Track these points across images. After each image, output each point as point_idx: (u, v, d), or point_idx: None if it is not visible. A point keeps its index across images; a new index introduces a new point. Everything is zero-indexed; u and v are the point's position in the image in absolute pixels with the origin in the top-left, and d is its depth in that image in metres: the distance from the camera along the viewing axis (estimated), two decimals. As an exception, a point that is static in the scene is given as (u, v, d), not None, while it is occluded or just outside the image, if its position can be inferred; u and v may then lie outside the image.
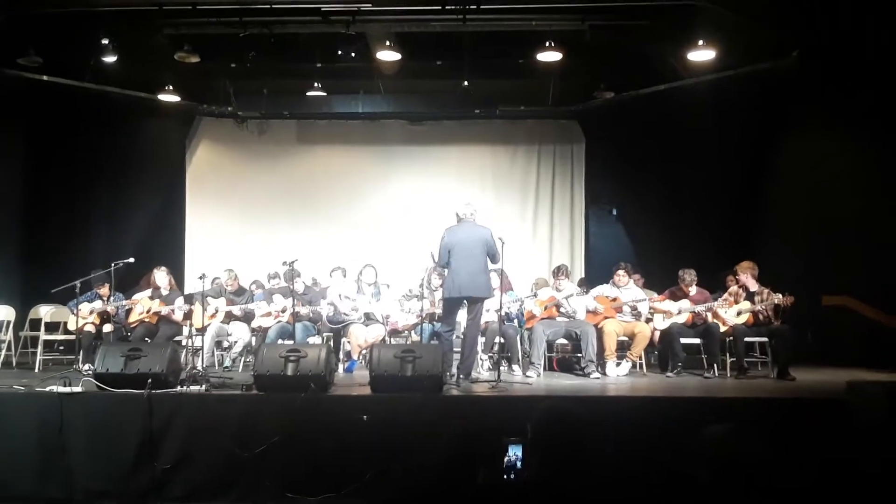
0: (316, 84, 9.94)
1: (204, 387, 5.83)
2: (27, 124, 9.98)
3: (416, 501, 5.02)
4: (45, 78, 9.26)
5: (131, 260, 7.79)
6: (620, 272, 7.75)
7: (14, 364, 8.18)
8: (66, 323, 8.19)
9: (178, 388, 5.77)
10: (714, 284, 7.98)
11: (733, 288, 7.51)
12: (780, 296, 7.11)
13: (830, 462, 4.72)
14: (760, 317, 7.24)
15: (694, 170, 9.84)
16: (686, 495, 2.39)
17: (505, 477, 3.23)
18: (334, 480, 5.15)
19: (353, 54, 9.06)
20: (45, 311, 8.56)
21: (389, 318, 7.95)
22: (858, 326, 8.11)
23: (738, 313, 7.31)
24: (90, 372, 6.01)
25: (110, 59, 8.68)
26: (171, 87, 9.72)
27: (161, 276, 8.11)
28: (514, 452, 3.32)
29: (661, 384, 6.89)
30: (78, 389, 5.62)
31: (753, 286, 7.32)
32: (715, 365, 7.26)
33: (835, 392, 5.53)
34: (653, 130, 10.02)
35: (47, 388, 5.62)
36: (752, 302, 7.27)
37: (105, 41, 8.48)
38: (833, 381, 6.31)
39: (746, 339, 7.27)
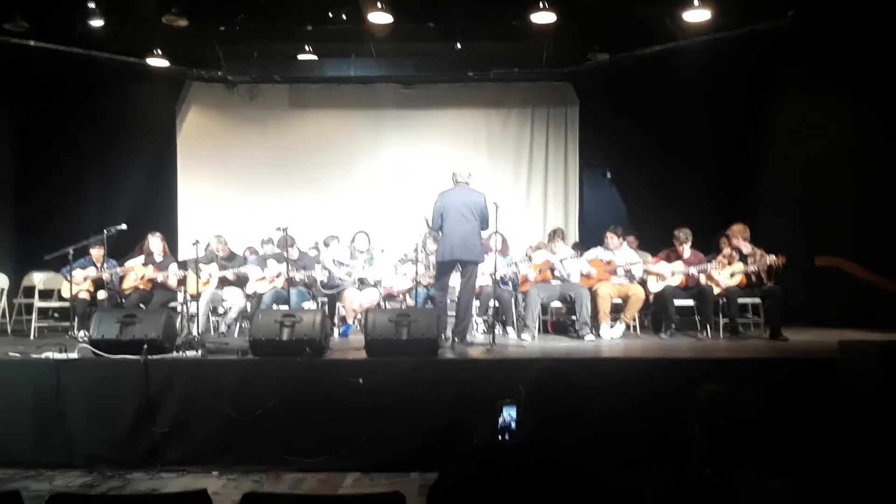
0: (307, 47, 9.80)
1: (200, 352, 5.84)
2: (14, 91, 9.83)
3: (411, 463, 5.07)
4: (31, 43, 9.10)
5: (124, 226, 7.74)
6: (609, 234, 7.78)
7: (9, 331, 8.18)
8: (59, 290, 8.16)
9: (174, 353, 5.79)
10: (707, 247, 7.99)
11: (727, 250, 7.53)
12: (773, 257, 7.14)
13: (822, 421, 4.78)
14: (753, 278, 7.27)
15: (688, 132, 9.78)
16: (679, 455, 2.41)
17: (499, 438, 3.25)
18: (330, 443, 5.20)
19: (344, 17, 8.91)
20: (39, 279, 8.54)
21: (383, 282, 7.95)
22: (850, 287, 8.15)
23: (732, 275, 7.33)
24: (85, 338, 6.01)
25: (98, 22, 8.53)
26: (159, 52, 9.57)
27: (155, 242, 8.08)
28: (509, 414, 3.33)
29: (654, 346, 6.94)
30: (74, 356, 5.62)
31: (746, 248, 7.34)
32: (708, 326, 7.32)
33: (827, 352, 5.56)
34: (647, 92, 9.93)
35: (43, 355, 5.63)
36: (746, 263, 7.29)
37: (92, 4, 8.33)
38: (825, 341, 6.35)
39: (739, 300, 7.31)
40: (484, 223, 6.60)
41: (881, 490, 2.85)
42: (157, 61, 9.69)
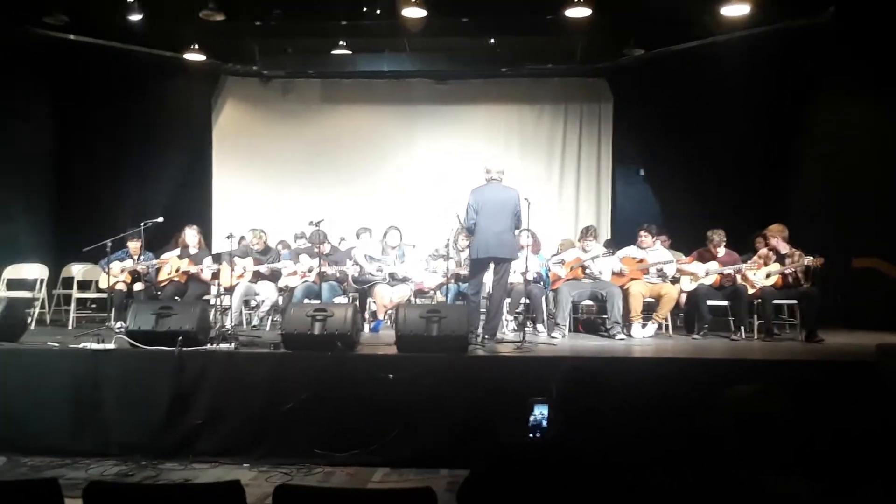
0: (341, 42, 9.84)
1: (233, 345, 5.91)
2: (54, 84, 10.04)
3: (440, 460, 5.08)
4: (71, 37, 9.28)
5: (160, 219, 7.86)
6: (643, 233, 7.70)
7: (48, 321, 8.36)
8: (97, 281, 8.32)
9: (208, 345, 5.87)
10: (742, 246, 7.88)
11: (763, 250, 7.42)
12: (811, 258, 7.01)
13: (857, 425, 4.69)
14: (790, 279, 7.15)
15: (722, 130, 9.64)
16: (710, 456, 2.38)
17: (529, 436, 3.24)
18: (360, 438, 5.23)
19: (378, 12, 8.92)
20: (78, 270, 8.72)
21: (414, 278, 7.97)
22: (888, 289, 7.98)
23: (768, 275, 7.22)
24: (122, 329, 6.12)
25: (136, 17, 8.66)
26: (196, 46, 9.69)
27: (191, 235, 8.19)
28: (539, 411, 3.33)
29: (686, 346, 6.87)
30: (111, 346, 5.73)
31: (784, 248, 7.22)
32: (742, 327, 7.21)
33: (864, 355, 5.47)
34: (682, 89, 9.80)
35: (81, 345, 5.74)
36: (783, 264, 7.17)
37: (131, -1, 8.46)
38: (862, 343, 6.24)
39: (775, 301, 7.19)
40: (517, 221, 6.57)
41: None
42: (194, 56, 9.82)
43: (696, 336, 7.23)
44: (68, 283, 8.69)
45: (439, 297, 8.02)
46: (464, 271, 7.46)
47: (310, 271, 7.96)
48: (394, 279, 7.82)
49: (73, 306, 8.18)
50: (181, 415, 5.43)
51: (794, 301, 7.26)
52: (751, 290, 7.21)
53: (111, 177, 10.51)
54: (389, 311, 7.63)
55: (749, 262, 7.34)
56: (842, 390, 5.01)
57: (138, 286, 7.98)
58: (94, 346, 5.67)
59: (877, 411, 4.79)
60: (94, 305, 8.71)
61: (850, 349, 6.39)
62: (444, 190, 10.19)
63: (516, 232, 6.78)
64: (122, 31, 9.25)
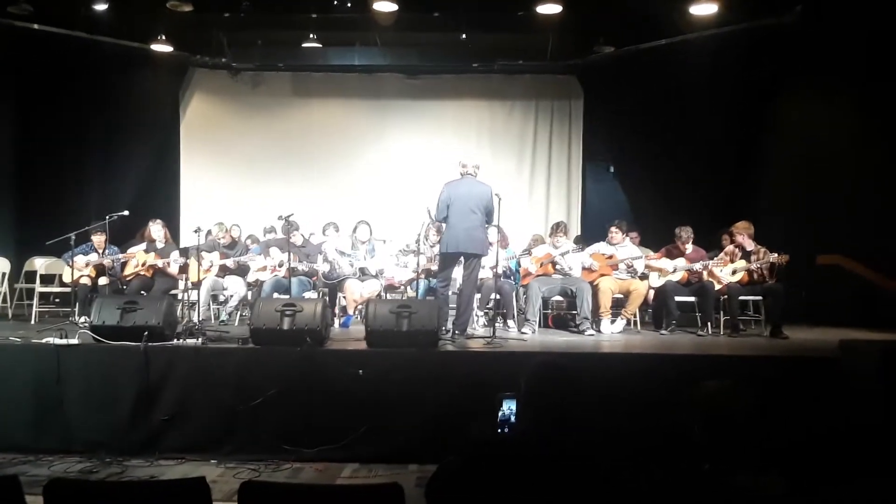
0: (311, 35, 9.78)
1: (200, 340, 5.84)
2: (18, 74, 9.81)
3: (409, 455, 5.08)
4: (35, 27, 9.08)
5: (126, 213, 7.74)
6: (613, 229, 7.76)
7: (10, 316, 8.20)
8: (61, 275, 8.17)
9: (175, 341, 5.79)
10: (710, 243, 7.98)
11: (729, 247, 7.52)
12: (776, 255, 7.12)
13: (822, 420, 4.78)
14: (755, 276, 7.26)
15: (692, 127, 9.76)
16: (678, 452, 2.41)
17: (498, 431, 3.25)
18: (330, 433, 5.20)
19: (348, 4, 8.88)
20: (41, 264, 8.55)
21: (384, 273, 7.95)
22: (851, 286, 8.15)
23: (734, 272, 7.32)
24: (86, 324, 6.01)
25: (102, 6, 8.51)
26: (163, 37, 9.55)
27: (156, 229, 8.07)
28: (508, 407, 3.34)
29: (654, 341, 6.94)
30: (74, 342, 5.63)
31: (750, 245, 7.33)
32: (709, 323, 7.31)
33: (828, 351, 5.56)
34: (652, 87, 9.90)
35: (44, 340, 5.63)
36: (749, 261, 7.28)
37: (96, -12, 8.31)
38: (826, 339, 6.35)
39: (741, 297, 7.30)
40: (488, 217, 6.58)
41: (876, 489, 2.85)
42: (161, 47, 9.67)
43: (663, 332, 7.31)
44: (31, 276, 8.52)
45: (410, 292, 8.00)
46: (434, 266, 7.45)
47: (280, 266, 7.89)
48: (364, 274, 7.79)
49: (35, 300, 8.02)
50: (147, 411, 5.35)
51: (760, 297, 7.37)
52: (717, 287, 7.31)
53: (76, 169, 10.31)
54: (359, 307, 7.59)
55: (716, 258, 7.44)
56: (805, 386, 5.09)
57: (103, 280, 7.85)
58: (58, 341, 5.56)
59: (840, 407, 4.88)
60: (57, 300, 8.55)
61: (813, 345, 6.51)
62: (414, 185, 10.17)
63: (486, 227, 6.78)
64: (88, 21, 9.10)
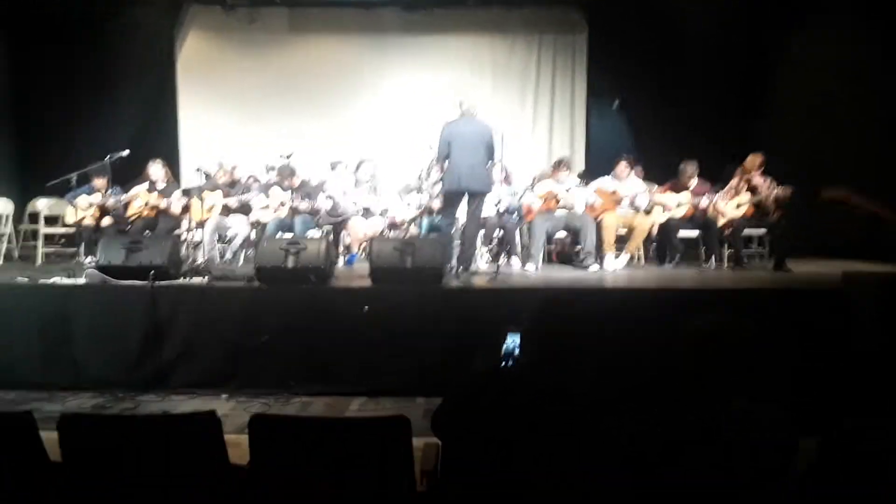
0: (308, -32, 9.52)
1: (206, 279, 5.88)
2: (9, 17, 9.61)
3: (415, 388, 5.15)
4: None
5: (126, 152, 7.68)
6: (623, 163, 7.69)
7: (16, 256, 8.24)
8: (64, 216, 8.18)
9: (181, 279, 5.82)
10: (714, 177, 7.92)
11: (734, 181, 7.47)
12: (780, 188, 7.09)
13: (825, 351, 4.83)
14: (759, 209, 7.23)
15: (698, 61, 9.58)
16: (681, 384, 2.43)
17: (501, 365, 3.29)
18: (335, 370, 5.28)
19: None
20: (44, 205, 8.55)
21: (388, 211, 7.94)
22: (855, 219, 8.09)
23: (738, 206, 7.30)
24: (92, 264, 6.04)
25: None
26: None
27: (156, 169, 8.04)
28: (511, 341, 3.37)
29: (658, 276, 6.96)
30: (81, 281, 5.67)
31: (757, 179, 7.29)
32: (713, 257, 7.32)
33: (831, 283, 5.59)
34: (657, 20, 9.67)
35: (50, 281, 5.67)
36: (754, 194, 7.24)
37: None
38: (829, 272, 6.37)
39: (745, 231, 7.29)
40: (490, 154, 6.53)
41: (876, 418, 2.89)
42: (155, -18, 9.44)
43: (667, 266, 7.33)
44: (35, 218, 8.53)
45: (413, 230, 8.01)
46: (437, 204, 7.44)
47: (282, 205, 7.87)
48: (367, 212, 7.78)
49: (40, 241, 8.05)
50: (156, 349, 5.42)
51: (764, 231, 7.37)
52: (721, 221, 7.29)
53: (73, 110, 10.16)
54: (364, 245, 7.61)
55: (721, 192, 7.41)
56: (809, 318, 5.13)
57: (106, 221, 7.86)
58: (65, 280, 5.60)
59: (842, 338, 4.93)
60: (62, 241, 8.58)
61: (817, 278, 6.53)
62: (415, 122, 10.05)
63: (489, 165, 6.75)
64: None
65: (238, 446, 2.61)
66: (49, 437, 2.62)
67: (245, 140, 10.53)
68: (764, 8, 9.14)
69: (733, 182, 7.45)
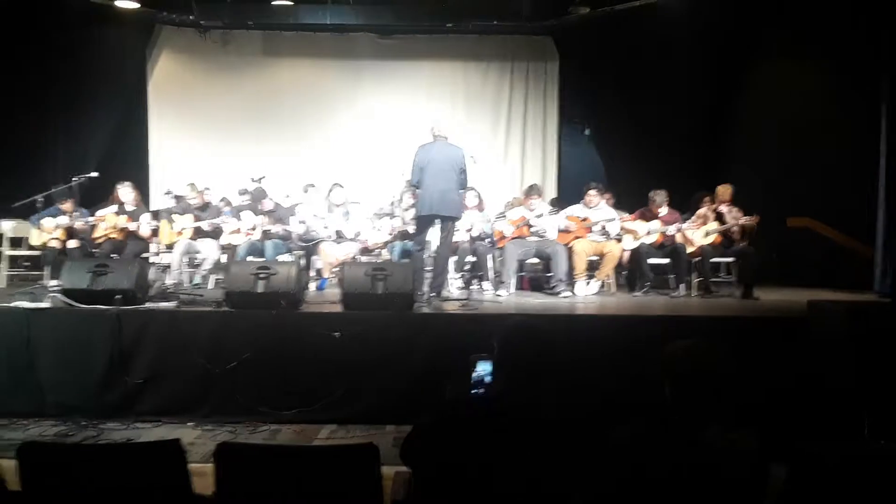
0: (282, -8, 9.56)
1: (174, 303, 5.79)
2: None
3: (386, 416, 5.10)
4: (-7, -19, 8.77)
5: (94, 174, 7.58)
6: (592, 192, 7.77)
7: (-22, 280, 8.06)
8: (29, 238, 8.03)
9: (148, 304, 5.73)
10: (685, 205, 8.04)
11: (702, 210, 7.59)
12: (747, 217, 7.21)
13: (791, 378, 4.88)
14: (727, 237, 7.35)
15: (668, 89, 9.76)
16: (651, 411, 2.44)
17: (472, 392, 3.27)
18: (305, 396, 5.21)
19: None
20: (8, 226, 8.38)
21: (360, 235, 7.91)
22: (820, 248, 8.28)
23: (706, 234, 7.40)
24: (57, 288, 5.92)
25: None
26: (129, -7, 9.27)
27: (125, 192, 7.94)
28: (483, 368, 3.36)
29: (628, 303, 7.01)
30: (45, 305, 5.55)
31: (725, 208, 7.41)
32: (682, 284, 7.39)
33: (797, 311, 5.66)
34: (627, 49, 9.86)
35: (13, 304, 5.54)
36: (721, 223, 7.36)
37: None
38: (795, 300, 6.46)
39: (713, 259, 7.39)
40: (463, 179, 6.56)
41: (844, 446, 2.93)
42: (127, 3, 9.40)
43: (637, 293, 7.39)
44: (-2, 240, 8.37)
45: (385, 254, 7.99)
46: (410, 229, 7.43)
47: (253, 229, 7.82)
48: (339, 237, 7.75)
49: (4, 264, 7.88)
50: (121, 374, 5.30)
51: (732, 259, 7.47)
52: (690, 249, 7.38)
53: (41, 130, 10.02)
54: (335, 270, 7.57)
55: (689, 221, 7.51)
56: (775, 345, 5.19)
57: (73, 243, 7.72)
58: (28, 304, 5.48)
59: (808, 365, 4.99)
60: (27, 263, 8.41)
61: (783, 305, 6.62)
62: (388, 147, 10.08)
63: (462, 191, 6.77)
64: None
65: (203, 476, 2.56)
66: (8, 465, 2.55)
67: (217, 163, 10.47)
68: (734, 38, 9.36)
69: (702, 210, 7.56)
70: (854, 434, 4.32)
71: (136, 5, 9.49)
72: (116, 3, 9.40)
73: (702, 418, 2.30)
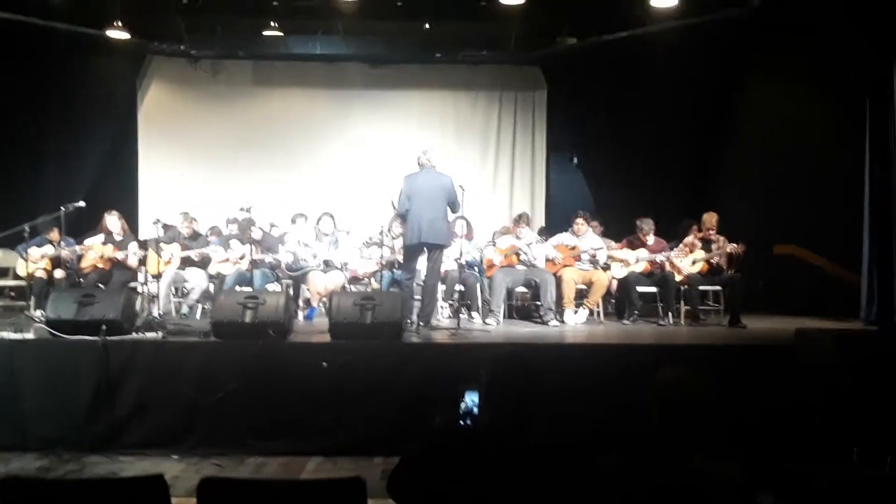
0: (272, 23, 9.62)
1: (161, 334, 5.75)
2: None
3: (374, 447, 5.06)
4: (-14, 12, 8.80)
5: (82, 204, 7.54)
6: (579, 220, 7.81)
7: (-37, 310, 7.98)
8: (15, 268, 7.97)
9: (134, 334, 5.69)
10: (671, 233, 8.09)
11: (689, 238, 7.63)
12: (734, 245, 7.26)
13: (780, 406, 4.88)
14: (714, 265, 7.38)
15: (654, 118, 9.87)
16: (640, 440, 2.43)
17: (460, 422, 3.25)
18: (293, 427, 5.17)
19: (310, -8, 8.78)
20: (-7, 256, 8.33)
21: (348, 265, 7.90)
22: (807, 276, 8.33)
23: (693, 262, 7.44)
24: (42, 318, 5.88)
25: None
26: (119, 23, 9.28)
27: (112, 221, 7.92)
28: (471, 399, 3.34)
29: (617, 331, 7.02)
30: (30, 336, 5.50)
31: (712, 236, 7.46)
32: (670, 313, 7.41)
33: (784, 339, 5.68)
34: (615, 78, 9.98)
35: (-3, 335, 5.49)
36: (708, 251, 7.39)
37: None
38: (783, 328, 6.48)
39: (700, 287, 7.42)
40: (453, 207, 6.58)
41: (832, 470, 2.92)
42: (118, 33, 9.41)
43: (626, 322, 7.40)
44: (-16, 269, 8.31)
45: (374, 284, 7.97)
46: (398, 258, 7.43)
47: (241, 258, 7.79)
48: (328, 266, 7.74)
49: (-11, 294, 7.82)
50: (106, 406, 5.25)
51: (719, 287, 7.50)
52: (678, 277, 7.41)
53: (30, 158, 10.04)
54: (323, 299, 7.54)
55: (676, 249, 7.55)
56: (763, 373, 5.19)
57: (59, 273, 7.68)
58: (12, 335, 5.43)
59: (795, 393, 4.99)
60: (12, 293, 8.34)
61: (770, 333, 6.63)
62: (378, 176, 10.11)
63: (451, 219, 6.79)
64: (41, 7, 8.82)
65: (187, 511, 2.53)
66: (-14, 502, 2.50)
67: (207, 192, 10.47)
68: (719, 67, 9.49)
69: (688, 239, 7.61)
70: (842, 462, 4.32)
71: (127, 36, 9.51)
72: (108, 34, 9.42)
73: (691, 446, 2.30)
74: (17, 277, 7.96)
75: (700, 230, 7.63)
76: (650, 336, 6.68)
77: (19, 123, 9.89)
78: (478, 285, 7.64)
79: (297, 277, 7.72)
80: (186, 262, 7.92)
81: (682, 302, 7.45)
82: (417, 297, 6.86)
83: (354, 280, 8.04)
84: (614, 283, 7.77)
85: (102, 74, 10.38)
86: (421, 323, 6.49)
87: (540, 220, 10.73)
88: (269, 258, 7.73)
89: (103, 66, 10.27)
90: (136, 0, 8.49)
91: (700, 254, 7.42)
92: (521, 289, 7.74)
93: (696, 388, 2.39)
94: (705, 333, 6.83)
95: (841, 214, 7.78)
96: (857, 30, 7.38)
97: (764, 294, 8.29)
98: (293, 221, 8.44)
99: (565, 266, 7.54)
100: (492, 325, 7.07)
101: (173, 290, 7.91)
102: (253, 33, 10.05)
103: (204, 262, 7.95)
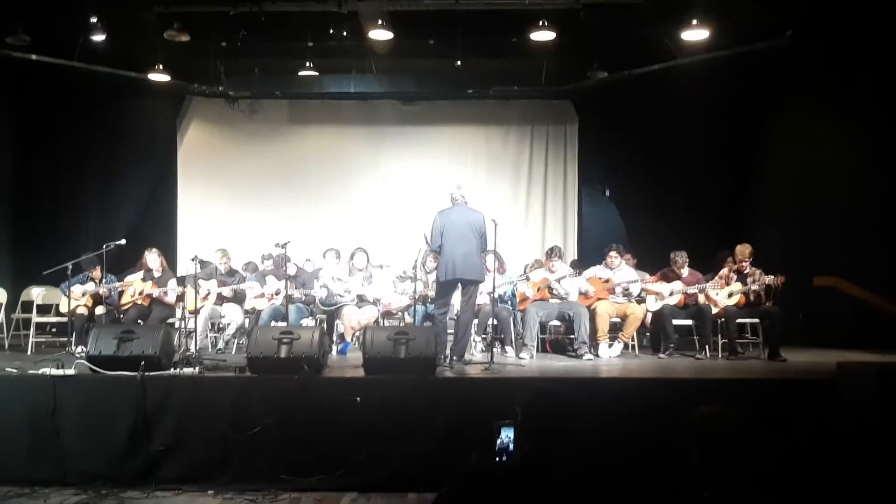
0: (307, 63, 9.85)
1: (197, 369, 5.82)
2: (15, 105, 9.89)
3: (408, 483, 5.04)
4: (33, 57, 9.14)
5: (122, 241, 7.73)
6: (613, 253, 7.77)
7: (6, 346, 8.16)
8: (58, 305, 8.15)
9: (172, 370, 5.77)
10: (706, 265, 8.00)
11: (724, 270, 7.54)
12: (772, 277, 7.14)
13: (818, 442, 4.76)
14: (752, 298, 7.27)
15: (686, 150, 9.84)
16: (676, 476, 2.40)
17: (496, 459, 3.23)
18: (327, 462, 5.17)
19: (345, 33, 8.97)
20: (37, 293, 8.53)
21: (381, 300, 7.94)
22: (848, 307, 8.15)
23: (730, 294, 7.33)
24: (83, 354, 5.99)
25: (100, 37, 8.58)
26: (160, 67, 9.61)
27: (152, 258, 8.08)
28: (506, 435, 3.32)
29: (652, 365, 6.93)
30: (71, 372, 5.61)
31: (748, 268, 7.35)
32: (706, 346, 7.30)
33: (825, 373, 5.55)
34: (646, 111, 9.99)
35: (40, 371, 5.61)
36: (744, 283, 7.29)
37: (94, 19, 8.38)
38: (823, 361, 6.34)
39: (738, 320, 7.30)
40: (483, 242, 6.60)
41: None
42: (159, 76, 9.73)
43: (661, 355, 7.30)
44: (28, 306, 8.49)
45: (407, 318, 7.99)
46: (431, 293, 7.46)
47: (277, 294, 7.88)
48: (361, 301, 7.79)
49: (32, 330, 7.98)
50: (144, 441, 5.31)
51: (757, 320, 7.38)
52: (714, 310, 7.31)
53: (73, 198, 10.36)
54: (357, 334, 7.58)
55: (711, 281, 7.46)
56: (803, 409, 5.08)
57: (100, 310, 7.84)
58: (54, 371, 5.54)
59: (837, 429, 4.87)
60: (54, 330, 8.52)
61: (811, 367, 6.50)
62: (411, 211, 10.19)
63: (482, 253, 6.81)
64: (86, 52, 9.16)
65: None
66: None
67: (243, 228, 10.65)
68: (750, 98, 9.45)
69: (724, 271, 7.52)
70: (885, 500, 4.19)
71: (168, 78, 9.82)
72: (149, 77, 9.74)
73: (728, 483, 2.26)
74: (59, 314, 8.13)
75: (735, 262, 7.53)
76: (687, 370, 6.58)
77: (64, 164, 10.23)
78: (511, 319, 7.62)
79: (332, 312, 7.78)
80: (222, 298, 8.04)
81: (719, 335, 7.34)
82: (451, 331, 6.86)
83: (388, 314, 8.08)
84: (649, 316, 7.69)
85: (144, 115, 10.71)
86: (454, 357, 6.48)
87: (572, 252, 10.69)
88: (302, 293, 7.81)
89: (144, 107, 10.61)
90: (176, 44, 8.76)
91: (737, 286, 7.32)
92: (555, 322, 7.69)
93: (737, 423, 2.36)
94: (743, 367, 6.71)
95: (882, 244, 7.63)
96: (890, 60, 7.31)
97: (804, 326, 8.13)
98: (324, 256, 8.53)
99: (599, 299, 7.49)
100: (525, 360, 7.03)
101: (210, 325, 8.02)
102: (289, 73, 10.29)
103: (239, 298, 8.05)
